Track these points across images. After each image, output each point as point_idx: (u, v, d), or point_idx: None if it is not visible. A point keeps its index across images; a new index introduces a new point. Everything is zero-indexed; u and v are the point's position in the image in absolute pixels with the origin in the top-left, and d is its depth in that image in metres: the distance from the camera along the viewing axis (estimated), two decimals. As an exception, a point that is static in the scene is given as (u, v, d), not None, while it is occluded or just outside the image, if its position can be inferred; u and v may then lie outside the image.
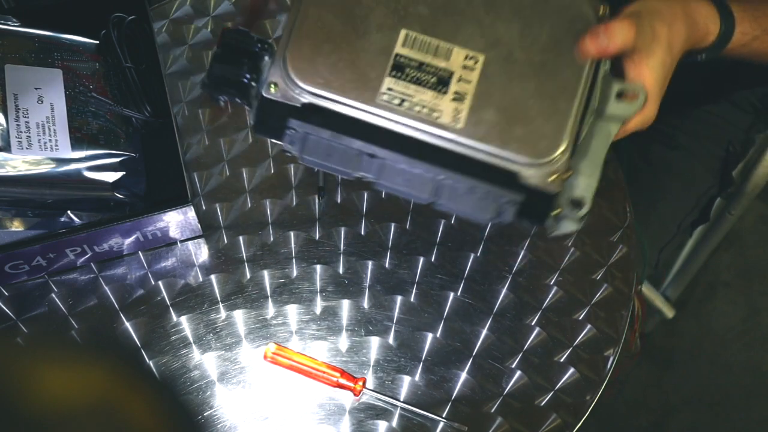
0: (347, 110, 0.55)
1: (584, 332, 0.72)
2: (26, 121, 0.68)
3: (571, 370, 0.71)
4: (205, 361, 0.70)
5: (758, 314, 1.51)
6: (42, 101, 0.70)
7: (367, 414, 0.68)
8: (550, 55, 0.57)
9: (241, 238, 0.76)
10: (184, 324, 0.72)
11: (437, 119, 0.55)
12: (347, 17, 0.57)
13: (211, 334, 0.71)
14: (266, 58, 0.57)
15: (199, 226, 0.74)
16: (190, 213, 0.71)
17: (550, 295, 0.74)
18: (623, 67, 0.60)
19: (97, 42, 0.77)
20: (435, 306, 0.73)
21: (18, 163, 0.67)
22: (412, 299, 0.73)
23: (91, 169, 0.70)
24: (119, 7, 0.78)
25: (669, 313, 1.39)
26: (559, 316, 0.73)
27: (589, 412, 0.69)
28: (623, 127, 0.60)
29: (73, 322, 0.72)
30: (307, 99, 0.55)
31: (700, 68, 0.75)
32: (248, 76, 0.56)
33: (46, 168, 0.68)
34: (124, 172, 0.71)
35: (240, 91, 0.57)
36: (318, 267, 0.75)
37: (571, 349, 0.72)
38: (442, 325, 0.72)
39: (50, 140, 0.69)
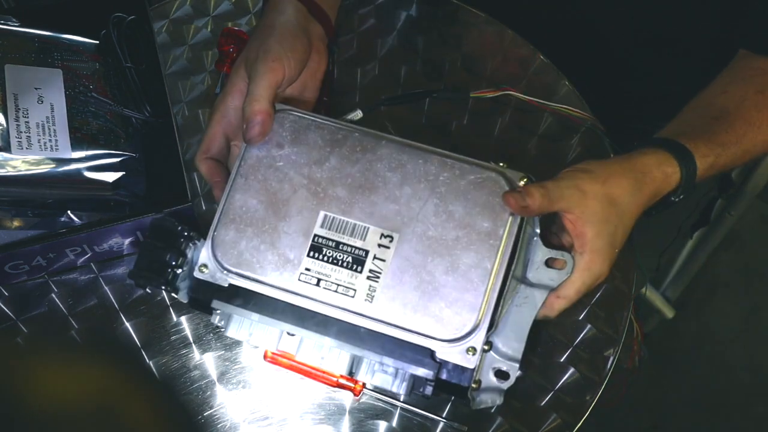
0: (268, 290, 0.59)
1: (584, 332, 0.72)
2: (26, 121, 0.68)
3: (571, 370, 0.71)
4: (205, 361, 0.70)
5: (758, 314, 1.51)
6: (42, 101, 0.70)
7: (367, 414, 0.68)
8: (465, 230, 0.58)
9: (241, 238, 0.76)
10: (184, 324, 0.72)
11: (352, 297, 0.58)
12: (270, 202, 0.60)
13: (211, 334, 0.71)
14: (194, 242, 0.61)
15: (199, 226, 0.74)
16: (190, 213, 0.71)
17: (550, 295, 0.74)
18: (564, 227, 0.61)
19: (97, 42, 0.77)
20: (435, 306, 0.73)
21: (18, 163, 0.67)
22: (412, 299, 0.73)
23: (91, 169, 0.70)
24: (119, 7, 0.77)
25: (669, 313, 1.39)
26: (559, 316, 0.73)
27: (589, 412, 0.69)
28: (573, 289, 0.61)
29: (73, 322, 0.72)
30: (233, 280, 0.59)
31: (697, 72, 0.76)
32: (174, 263, 0.60)
33: (46, 168, 0.68)
34: (124, 172, 0.71)
35: (166, 280, 0.60)
36: (318, 267, 0.75)
37: (571, 349, 0.72)
38: (442, 325, 0.72)
39: (50, 140, 0.69)
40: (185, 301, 0.61)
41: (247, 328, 0.60)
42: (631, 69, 0.90)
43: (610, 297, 0.74)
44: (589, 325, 0.73)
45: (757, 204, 1.53)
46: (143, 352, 0.70)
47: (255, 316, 0.59)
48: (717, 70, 0.75)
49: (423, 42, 0.86)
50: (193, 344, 0.71)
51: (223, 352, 0.70)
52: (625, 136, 0.76)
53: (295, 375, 0.69)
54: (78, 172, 0.69)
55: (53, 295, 0.73)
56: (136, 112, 0.75)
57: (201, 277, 0.60)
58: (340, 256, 0.59)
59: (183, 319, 0.72)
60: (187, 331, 0.71)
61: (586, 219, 0.60)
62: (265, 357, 0.69)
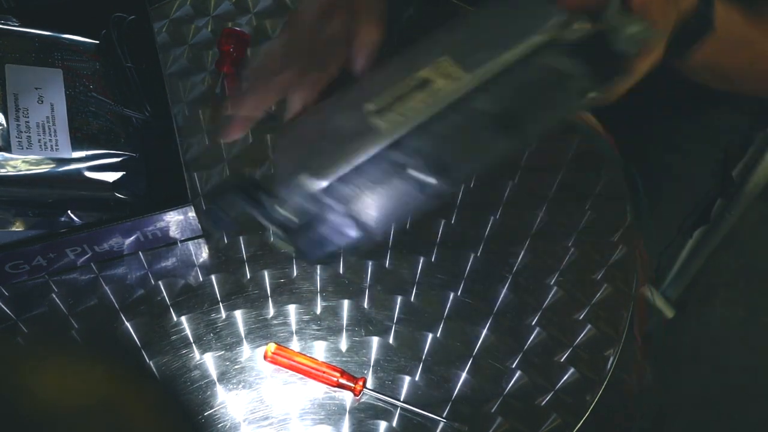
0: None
1: (584, 332, 0.72)
2: (26, 121, 0.68)
3: (571, 370, 0.71)
4: (206, 361, 0.70)
5: (758, 314, 1.51)
6: (42, 101, 0.70)
7: (367, 414, 0.68)
8: None
9: (241, 238, 0.76)
10: (185, 324, 0.72)
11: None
12: None
13: (212, 334, 0.71)
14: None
15: (199, 226, 0.74)
16: (191, 213, 0.71)
17: (550, 295, 0.74)
18: None
19: (97, 42, 0.77)
20: (435, 306, 0.73)
21: (18, 163, 0.67)
22: (412, 299, 0.73)
23: (91, 168, 0.70)
24: (119, 7, 0.78)
25: (669, 313, 1.39)
26: (559, 316, 0.73)
27: (589, 412, 0.69)
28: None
29: (74, 322, 0.72)
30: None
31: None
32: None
33: (46, 168, 0.68)
34: (125, 172, 0.71)
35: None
36: (318, 267, 0.75)
37: (571, 349, 0.72)
38: (442, 325, 0.72)
39: (50, 140, 0.69)
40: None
41: None
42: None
43: (610, 297, 0.74)
44: (589, 325, 0.73)
45: (757, 204, 1.53)
46: (143, 352, 0.70)
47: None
48: None
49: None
50: (193, 344, 0.71)
51: (223, 352, 0.71)
52: (626, 135, 0.76)
53: (295, 375, 0.69)
54: (78, 172, 0.69)
55: (53, 295, 0.73)
56: (137, 112, 0.75)
57: None
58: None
59: (183, 319, 0.72)
60: (188, 331, 0.71)
61: None
62: (265, 357, 0.69)
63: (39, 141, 0.68)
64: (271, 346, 0.70)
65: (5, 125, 0.67)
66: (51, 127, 0.69)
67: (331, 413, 0.68)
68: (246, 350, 0.71)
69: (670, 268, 1.30)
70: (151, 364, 0.70)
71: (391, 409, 0.68)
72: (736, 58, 0.67)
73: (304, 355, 0.70)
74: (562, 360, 0.71)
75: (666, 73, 0.89)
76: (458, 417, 0.68)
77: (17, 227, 0.70)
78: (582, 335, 0.72)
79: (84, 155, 0.70)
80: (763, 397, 1.44)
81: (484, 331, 0.72)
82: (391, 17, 0.59)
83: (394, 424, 0.68)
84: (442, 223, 0.77)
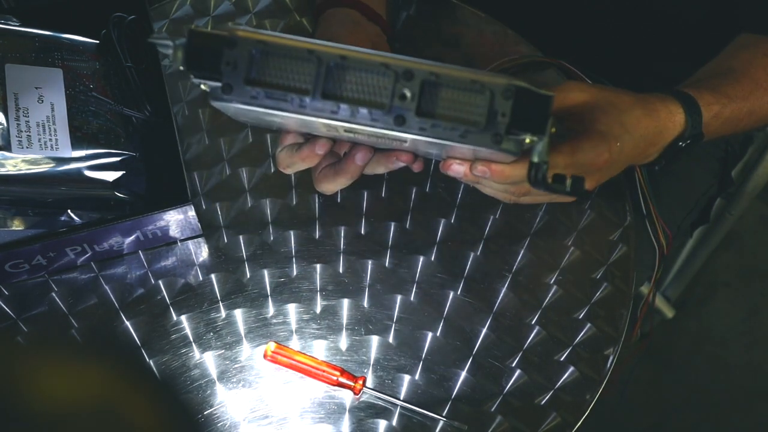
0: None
1: (584, 331, 0.72)
2: (26, 121, 0.68)
3: (571, 369, 0.71)
4: (206, 360, 0.70)
5: (758, 314, 1.51)
6: (42, 101, 0.70)
7: (367, 413, 0.68)
8: None
9: (241, 237, 0.76)
10: (185, 323, 0.72)
11: None
12: None
13: (211, 333, 0.71)
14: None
15: (199, 225, 0.74)
16: (190, 212, 0.71)
17: (550, 295, 0.74)
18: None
19: (98, 42, 0.77)
20: (435, 305, 0.73)
21: (18, 162, 0.67)
22: (412, 298, 0.73)
23: (91, 168, 0.70)
24: (119, 7, 0.78)
25: (669, 313, 1.39)
26: (559, 315, 0.73)
27: (589, 411, 0.69)
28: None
29: (74, 321, 0.72)
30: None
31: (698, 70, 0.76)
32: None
33: (46, 167, 0.68)
34: (124, 172, 0.71)
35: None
36: (318, 266, 0.75)
37: (571, 348, 0.72)
38: (442, 324, 0.72)
39: (50, 139, 0.69)
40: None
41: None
42: (631, 68, 0.90)
43: (610, 296, 0.74)
44: (589, 324, 0.73)
45: (757, 204, 1.53)
46: (143, 351, 0.70)
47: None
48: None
49: (423, 42, 0.86)
50: (193, 343, 0.71)
51: (223, 351, 0.71)
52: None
53: (295, 374, 0.69)
54: (78, 171, 0.69)
55: (53, 294, 0.73)
56: (137, 112, 0.75)
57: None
58: None
59: (183, 318, 0.72)
60: (187, 330, 0.72)
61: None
62: (265, 356, 0.69)
63: (39, 140, 0.68)
64: (271, 345, 0.70)
65: (5, 124, 0.67)
66: (51, 126, 0.69)
67: (331, 412, 0.68)
68: (246, 349, 0.71)
69: (670, 268, 1.30)
70: (151, 363, 0.70)
71: (391, 408, 0.68)
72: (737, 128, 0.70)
73: (304, 354, 0.70)
74: (561, 359, 0.71)
75: (666, 71, 0.90)
76: (458, 416, 0.68)
77: (17, 226, 0.70)
78: (582, 334, 0.72)
79: (84, 154, 0.70)
80: (764, 396, 1.44)
81: (484, 330, 0.72)
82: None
83: (394, 423, 0.68)
84: (442, 222, 0.77)
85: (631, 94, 0.63)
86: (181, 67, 0.51)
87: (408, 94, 0.50)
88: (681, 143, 0.65)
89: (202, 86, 0.52)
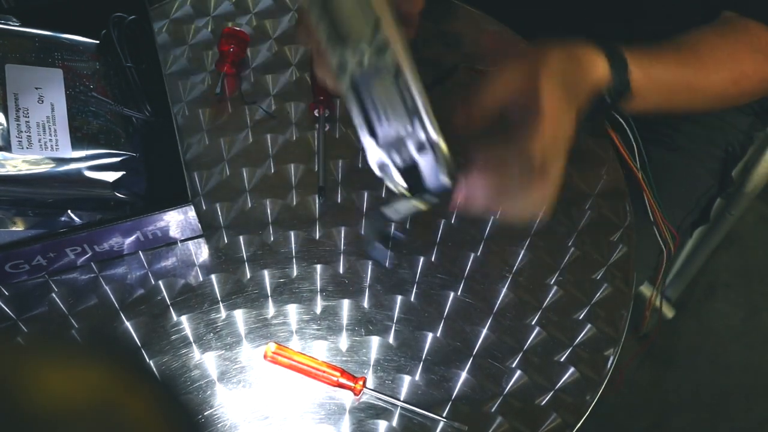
0: None
1: (584, 332, 0.72)
2: (26, 121, 0.68)
3: (572, 369, 0.71)
4: (206, 361, 0.70)
5: (758, 314, 1.51)
6: (42, 101, 0.70)
7: (367, 413, 0.68)
8: None
9: (241, 237, 0.76)
10: (185, 323, 0.72)
11: None
12: None
13: (212, 334, 0.71)
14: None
15: (199, 225, 0.74)
16: (191, 213, 0.71)
17: (550, 295, 0.74)
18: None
19: (98, 42, 0.77)
20: (435, 306, 0.73)
21: (18, 163, 0.67)
22: (412, 299, 0.73)
23: (91, 168, 0.70)
24: (119, 7, 0.78)
25: (669, 313, 1.39)
26: (559, 315, 0.73)
27: (589, 411, 0.69)
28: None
29: (74, 322, 0.72)
30: None
31: None
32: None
33: (46, 167, 0.68)
34: (125, 172, 0.71)
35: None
36: (318, 267, 0.75)
37: (571, 348, 0.72)
38: (442, 324, 0.72)
39: (50, 140, 0.69)
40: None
41: None
42: None
43: (610, 297, 0.74)
44: (589, 325, 0.73)
45: (757, 204, 1.53)
46: (143, 352, 0.70)
47: None
48: None
49: (422, 42, 0.86)
50: (193, 344, 0.71)
51: (223, 351, 0.71)
52: (625, 134, 0.76)
53: (295, 374, 0.69)
54: (78, 171, 0.69)
55: (53, 295, 0.73)
56: (137, 112, 0.75)
57: None
58: None
59: (183, 318, 0.72)
60: (187, 331, 0.72)
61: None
62: (265, 356, 0.69)
63: (39, 140, 0.68)
64: (271, 346, 0.70)
65: (5, 125, 0.67)
66: (51, 126, 0.69)
67: (331, 413, 0.68)
68: (246, 350, 0.71)
69: (670, 268, 1.30)
70: (151, 363, 0.70)
71: (391, 408, 0.68)
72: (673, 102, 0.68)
73: (304, 354, 0.70)
74: (562, 359, 0.71)
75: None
76: (458, 416, 0.68)
77: (17, 227, 0.70)
78: (582, 335, 0.72)
79: (84, 155, 0.70)
80: (764, 396, 1.44)
81: (484, 331, 0.72)
82: None
83: (394, 423, 0.68)
84: (442, 223, 0.77)
85: (552, 45, 0.60)
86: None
87: None
88: (607, 98, 0.62)
89: None
